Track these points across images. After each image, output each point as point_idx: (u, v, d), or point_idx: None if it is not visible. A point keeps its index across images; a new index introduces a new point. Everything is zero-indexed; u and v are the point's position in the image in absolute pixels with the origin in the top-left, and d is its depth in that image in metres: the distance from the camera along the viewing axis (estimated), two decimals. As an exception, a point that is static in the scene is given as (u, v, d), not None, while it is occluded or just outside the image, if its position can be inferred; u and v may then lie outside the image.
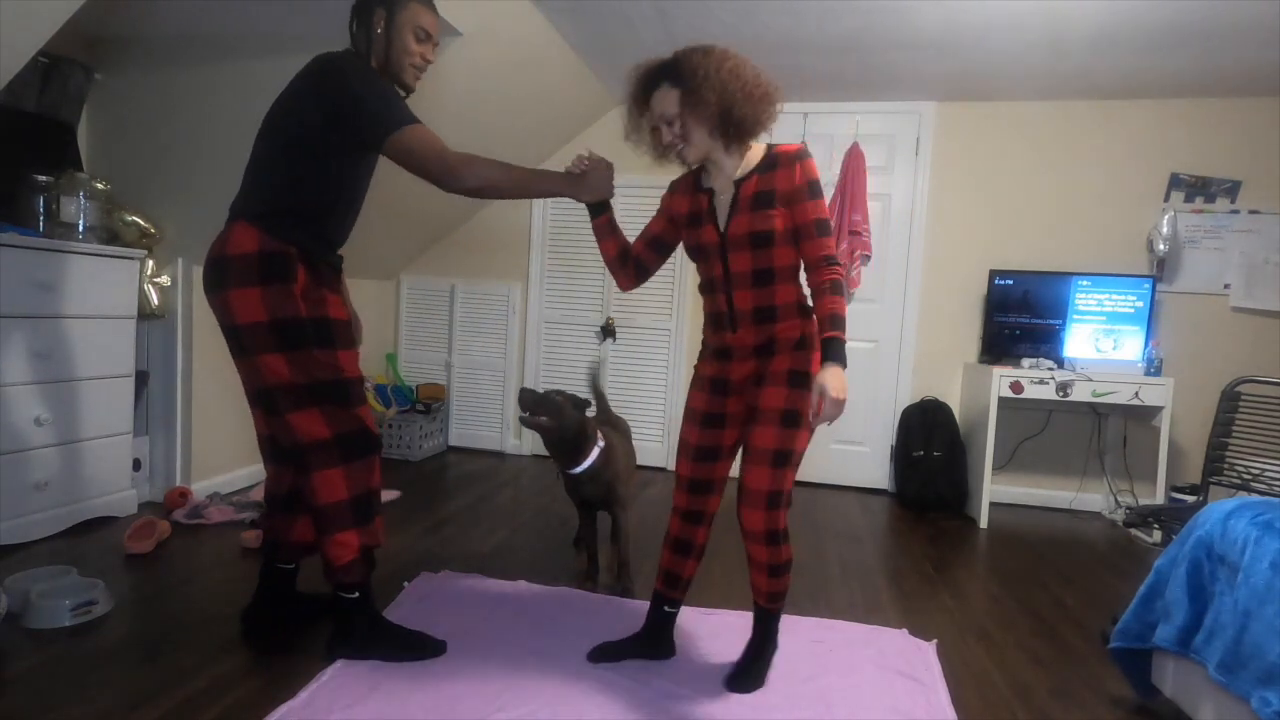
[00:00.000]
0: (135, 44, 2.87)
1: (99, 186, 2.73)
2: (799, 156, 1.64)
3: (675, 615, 1.91)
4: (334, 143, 1.70)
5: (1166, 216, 3.53)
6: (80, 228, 2.65)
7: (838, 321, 1.59)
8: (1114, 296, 3.53)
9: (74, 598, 1.92)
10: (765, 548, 1.69)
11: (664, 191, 1.87)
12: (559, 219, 4.26)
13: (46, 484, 2.48)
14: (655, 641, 1.89)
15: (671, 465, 4.15)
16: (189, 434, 3.01)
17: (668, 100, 1.65)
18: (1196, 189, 3.62)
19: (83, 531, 2.58)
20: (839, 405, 1.52)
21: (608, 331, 4.20)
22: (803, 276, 1.71)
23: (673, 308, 4.15)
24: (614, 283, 4.09)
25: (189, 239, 2.94)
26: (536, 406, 2.11)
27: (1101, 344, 3.54)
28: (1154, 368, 3.48)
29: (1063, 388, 3.34)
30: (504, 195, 1.77)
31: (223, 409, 3.09)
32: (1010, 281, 3.64)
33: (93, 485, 2.66)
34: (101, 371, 2.67)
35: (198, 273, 2.98)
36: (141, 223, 2.87)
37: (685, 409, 1.84)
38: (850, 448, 4.00)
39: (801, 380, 1.66)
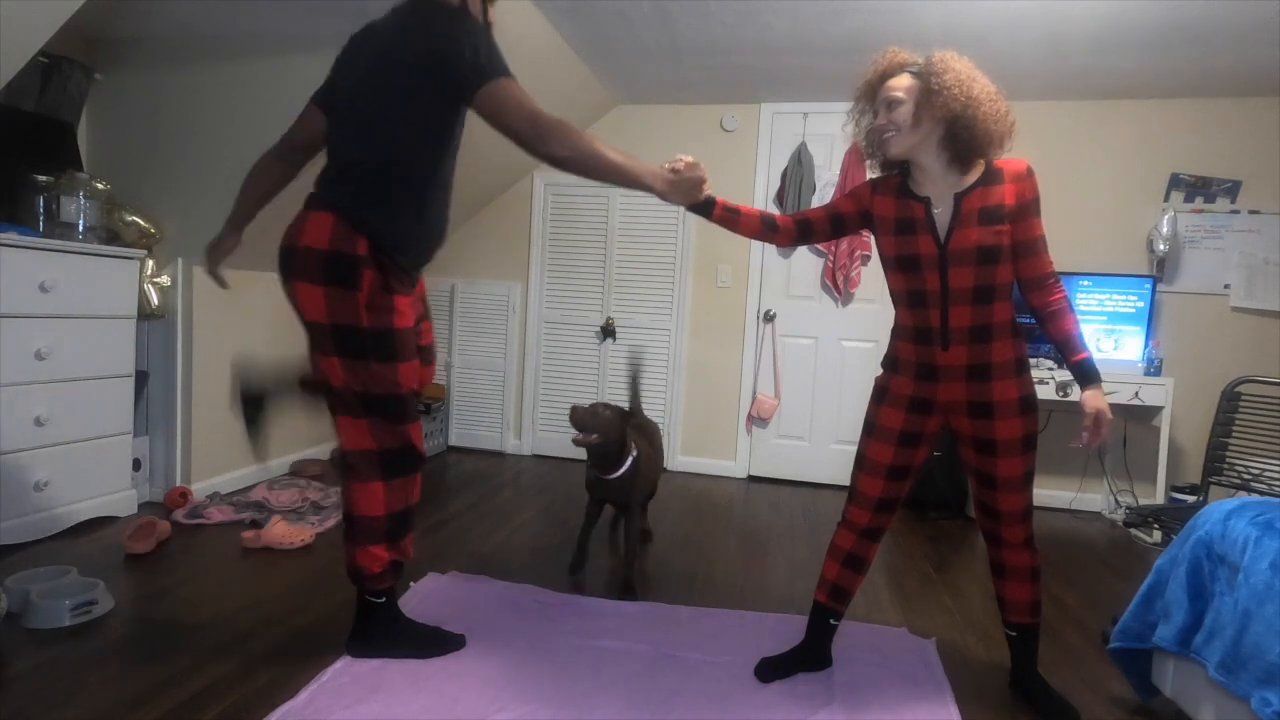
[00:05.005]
0: (135, 44, 2.87)
1: (99, 186, 2.72)
2: (1030, 173, 1.63)
3: (837, 628, 1.91)
4: (425, 92, 1.59)
5: (1166, 216, 3.53)
6: (80, 228, 2.65)
7: (1084, 340, 1.66)
8: (1114, 296, 3.53)
9: (74, 598, 1.92)
10: (1028, 553, 1.76)
11: (862, 184, 1.82)
12: (559, 219, 4.27)
13: (46, 484, 2.48)
14: (817, 653, 1.89)
15: (673, 466, 4.16)
16: (189, 434, 3.01)
17: (900, 82, 1.61)
18: (1196, 189, 3.62)
19: (83, 531, 2.58)
20: (1111, 425, 1.62)
21: (608, 331, 4.19)
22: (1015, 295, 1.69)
23: (673, 308, 4.15)
24: (614, 282, 4.21)
25: (189, 239, 2.93)
26: (590, 423, 2.24)
27: (1102, 344, 3.54)
28: (1154, 368, 3.48)
29: (1062, 388, 3.34)
30: (591, 174, 1.65)
31: (223, 409, 3.09)
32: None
33: (93, 485, 2.66)
34: (101, 371, 2.67)
35: (198, 273, 2.98)
36: (141, 223, 2.87)
37: (874, 426, 1.76)
38: (851, 448, 3.99)
39: (1031, 405, 1.68)
